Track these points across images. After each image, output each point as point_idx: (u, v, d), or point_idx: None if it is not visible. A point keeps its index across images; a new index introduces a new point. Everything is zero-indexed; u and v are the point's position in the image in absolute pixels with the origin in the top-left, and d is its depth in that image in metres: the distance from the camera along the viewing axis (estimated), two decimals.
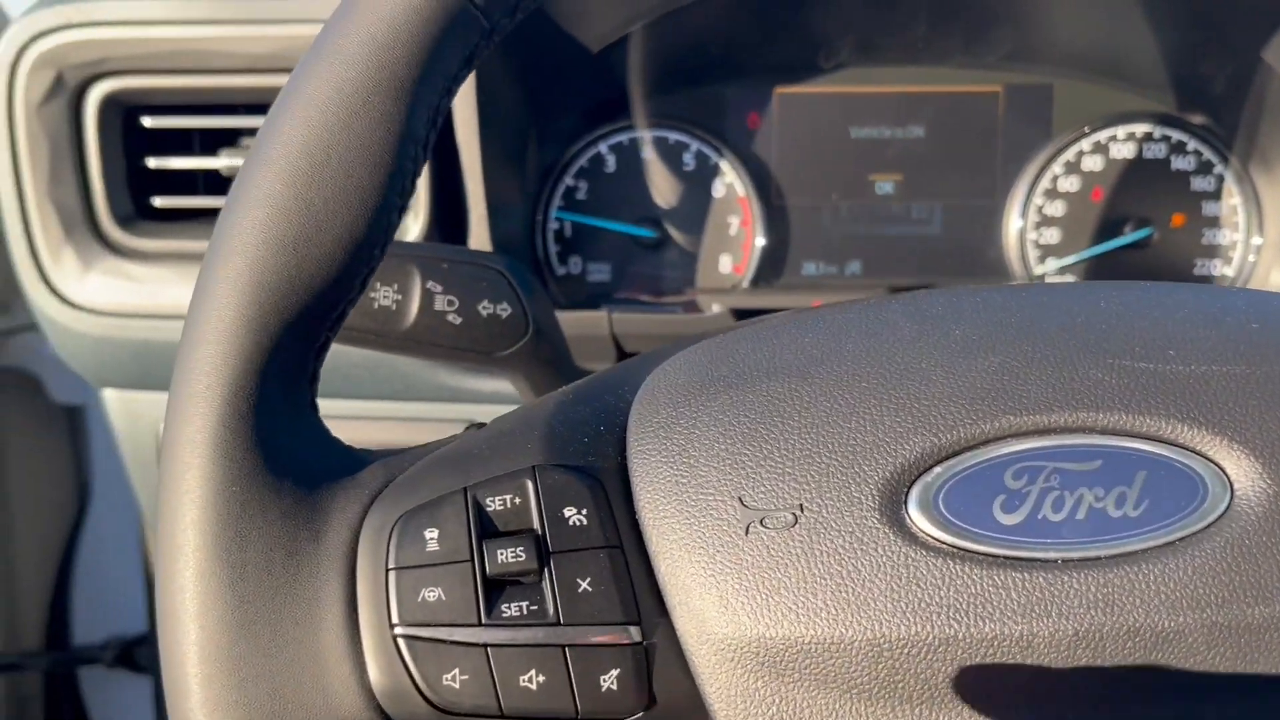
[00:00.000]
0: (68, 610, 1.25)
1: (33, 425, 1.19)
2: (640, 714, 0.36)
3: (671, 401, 0.38)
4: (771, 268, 0.86)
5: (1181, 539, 0.34)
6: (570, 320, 0.77)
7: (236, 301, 0.36)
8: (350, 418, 0.75)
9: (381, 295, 0.54)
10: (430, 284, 0.54)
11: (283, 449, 0.37)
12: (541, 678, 0.36)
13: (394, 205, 0.38)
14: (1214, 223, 0.83)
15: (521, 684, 0.36)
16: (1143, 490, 0.35)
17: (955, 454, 0.36)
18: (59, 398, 1.18)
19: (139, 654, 1.25)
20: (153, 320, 0.77)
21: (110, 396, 0.84)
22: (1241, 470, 0.34)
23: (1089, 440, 0.35)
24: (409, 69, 0.37)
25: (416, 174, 0.38)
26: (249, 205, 0.36)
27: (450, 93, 0.39)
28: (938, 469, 0.35)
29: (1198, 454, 0.35)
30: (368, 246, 0.37)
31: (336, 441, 0.40)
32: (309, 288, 0.36)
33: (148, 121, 0.77)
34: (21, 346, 1.13)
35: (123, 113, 0.77)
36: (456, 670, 0.36)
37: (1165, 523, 0.34)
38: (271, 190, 0.36)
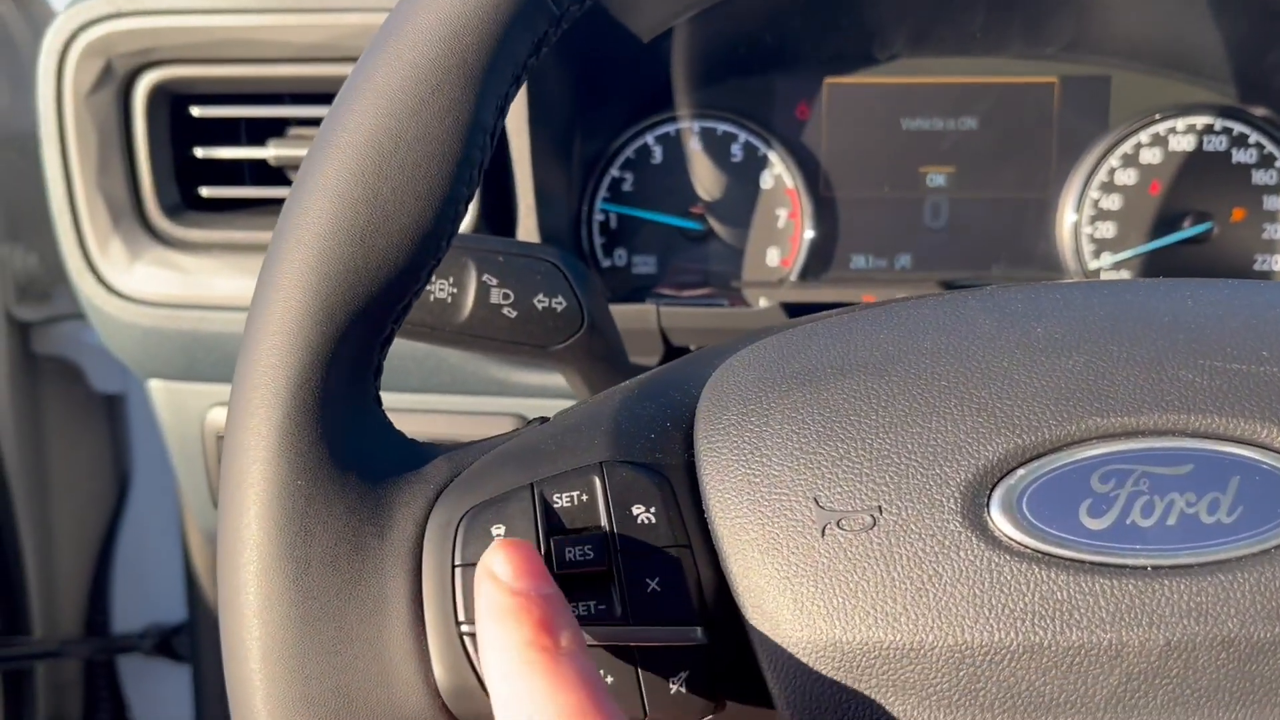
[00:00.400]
0: (107, 599, 1.26)
1: (73, 414, 1.20)
2: (709, 717, 0.36)
3: (741, 398, 0.38)
4: (820, 261, 0.85)
5: (1278, 546, 0.33)
6: (617, 313, 0.76)
7: (302, 293, 0.35)
8: (398, 410, 0.74)
9: (437, 288, 0.53)
10: (486, 277, 0.53)
11: (348, 442, 0.36)
12: (610, 678, 0.35)
13: (461, 196, 0.37)
14: (1275, 217, 0.81)
15: None
16: (1237, 496, 0.34)
17: (1039, 456, 0.35)
18: (99, 386, 1.19)
19: (177, 643, 1.26)
20: (200, 311, 0.77)
21: (156, 387, 0.84)
22: None
23: (1179, 444, 0.34)
24: (479, 56, 0.36)
25: (484, 164, 0.38)
26: (315, 195, 0.36)
27: (519, 81, 0.38)
28: (1021, 471, 0.34)
29: None
30: (434, 238, 0.37)
31: (400, 435, 0.39)
32: (375, 279, 0.36)
33: (196, 111, 0.77)
34: (62, 335, 1.14)
35: (171, 102, 0.77)
36: None
37: (1261, 530, 0.33)
38: (338, 180, 0.36)
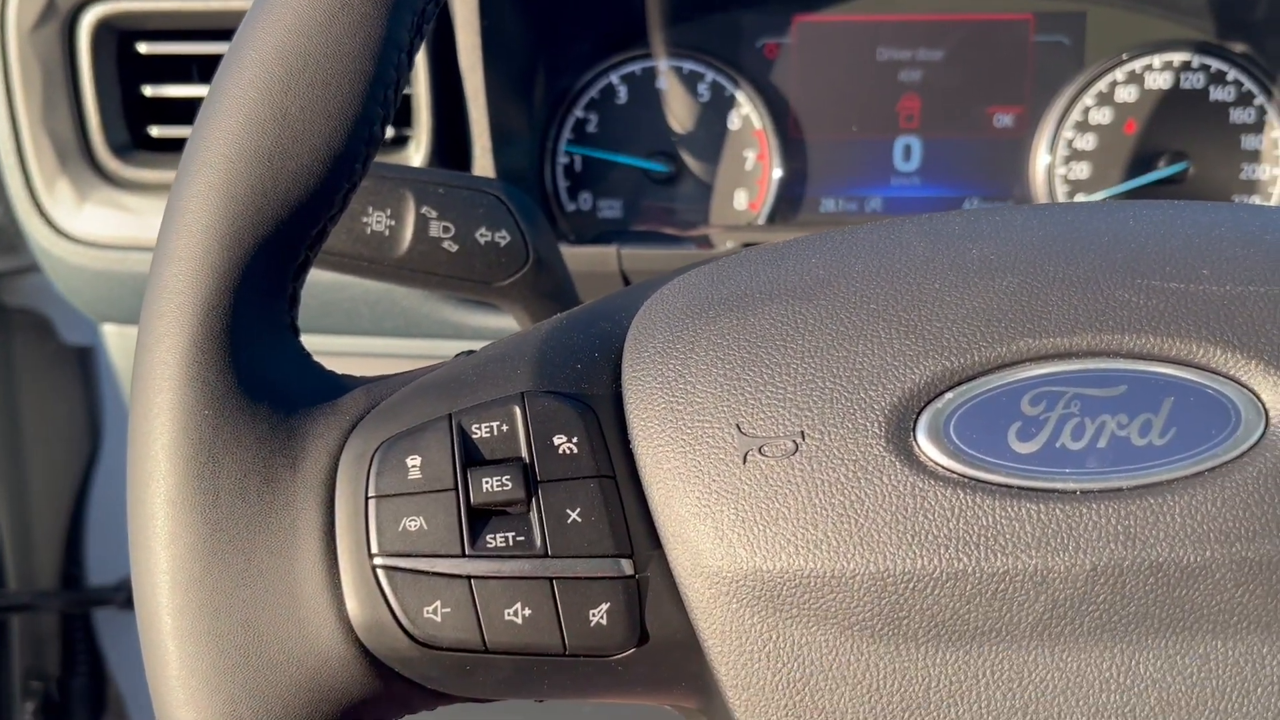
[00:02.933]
0: (81, 552, 1.26)
1: (44, 366, 1.19)
2: (631, 650, 0.35)
3: (669, 325, 0.36)
4: (788, 204, 0.84)
5: (1211, 469, 0.32)
6: (578, 256, 0.75)
7: (208, 216, 0.34)
8: (350, 354, 0.73)
9: (374, 220, 0.52)
10: (425, 209, 0.52)
11: (259, 371, 0.35)
12: (527, 611, 0.34)
13: (375, 116, 0.36)
14: (1253, 156, 0.80)
15: (506, 617, 0.34)
16: (1170, 417, 0.32)
17: (968, 379, 0.33)
18: (69, 338, 1.17)
19: None
20: (150, 253, 0.75)
21: (110, 332, 0.83)
22: (1278, 396, 0.32)
23: (1113, 364, 0.33)
24: None
25: (400, 83, 0.36)
26: (221, 115, 0.35)
27: None
28: (949, 395, 0.33)
29: (1231, 379, 0.32)
30: (348, 160, 0.35)
31: (318, 366, 0.38)
32: (285, 202, 0.35)
33: (143, 48, 0.75)
34: (31, 287, 1.12)
35: (118, 38, 0.75)
36: (438, 603, 0.34)
37: (1193, 452, 0.32)
38: (245, 99, 0.34)
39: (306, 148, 0.34)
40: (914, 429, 0.33)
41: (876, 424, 0.33)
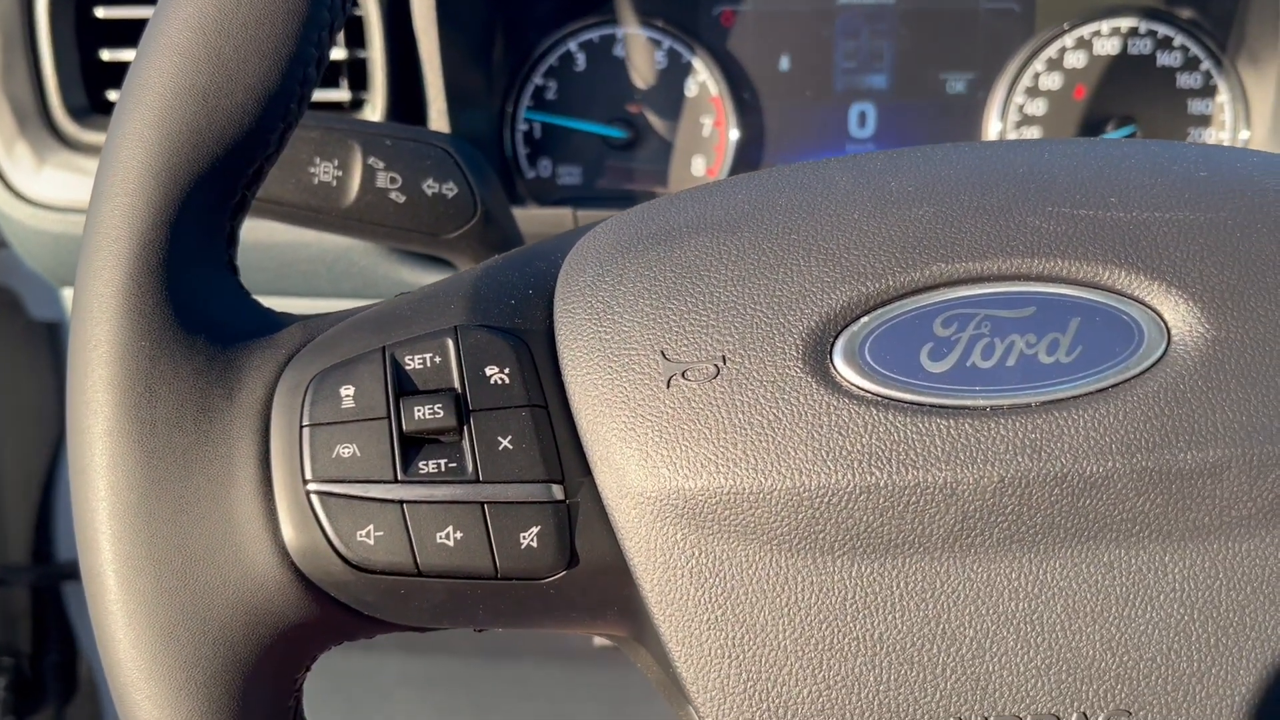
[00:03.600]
0: (52, 528, 1.25)
1: (13, 342, 1.19)
2: (561, 574, 0.35)
3: (599, 260, 0.37)
4: (746, 169, 0.84)
5: (1115, 385, 0.33)
6: (535, 218, 0.75)
7: (144, 153, 0.35)
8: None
9: (321, 170, 0.52)
10: (372, 160, 0.52)
11: (197, 306, 0.36)
12: (459, 534, 0.35)
13: (309, 57, 0.36)
14: (1200, 121, 0.81)
15: (438, 541, 0.35)
16: (1076, 336, 0.33)
17: (883, 303, 0.34)
18: (37, 313, 1.17)
19: None
20: None
21: (70, 296, 0.83)
22: (1179, 316, 0.33)
23: (1022, 287, 0.34)
24: None
25: (336, 24, 0.37)
26: (156, 54, 0.35)
27: None
28: (865, 319, 0.34)
29: (1135, 300, 0.34)
30: (282, 99, 0.36)
31: (255, 303, 0.39)
32: (220, 140, 0.35)
33: (100, 12, 0.75)
34: None
35: (75, 3, 0.75)
36: (371, 526, 0.35)
37: (1098, 369, 0.33)
38: (179, 38, 0.35)
39: (241, 86, 0.35)
40: (830, 352, 0.34)
41: (795, 347, 0.34)
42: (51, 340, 1.23)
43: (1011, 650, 0.33)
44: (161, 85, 0.35)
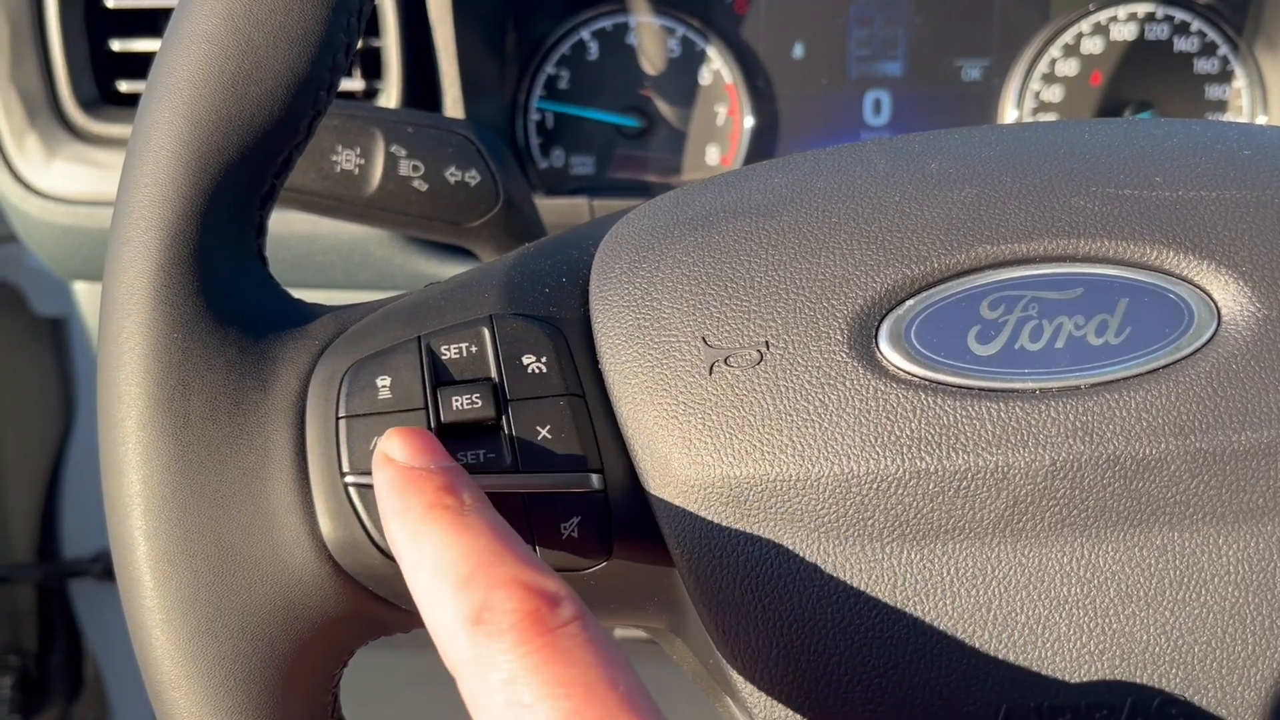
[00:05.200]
0: (57, 525, 1.25)
1: (16, 338, 1.18)
2: (602, 564, 0.35)
3: (635, 246, 0.37)
4: (760, 158, 0.84)
5: (1165, 366, 0.32)
6: (550, 208, 0.75)
7: (173, 142, 0.34)
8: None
9: (344, 159, 0.52)
10: (395, 147, 0.52)
11: (228, 297, 0.35)
12: None
13: (339, 43, 0.36)
14: (1218, 106, 0.80)
15: None
16: (1125, 317, 0.33)
17: (929, 286, 0.34)
18: (41, 309, 1.17)
19: None
20: None
21: (81, 289, 0.82)
22: (1229, 295, 0.33)
23: (1069, 269, 0.34)
24: None
25: (365, 11, 0.37)
26: (185, 42, 0.35)
27: None
28: (910, 302, 0.34)
29: (1183, 280, 0.33)
30: (311, 86, 0.35)
31: (286, 294, 0.38)
32: (250, 128, 0.35)
33: (110, 2, 0.74)
34: (2, 257, 1.11)
35: None
36: None
37: (1148, 350, 0.33)
38: (208, 26, 0.34)
39: (270, 73, 0.35)
40: (876, 335, 0.34)
41: (839, 332, 0.34)
42: (55, 336, 1.22)
43: (1064, 637, 0.33)
44: (190, 73, 0.34)
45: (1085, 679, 0.33)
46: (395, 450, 0.33)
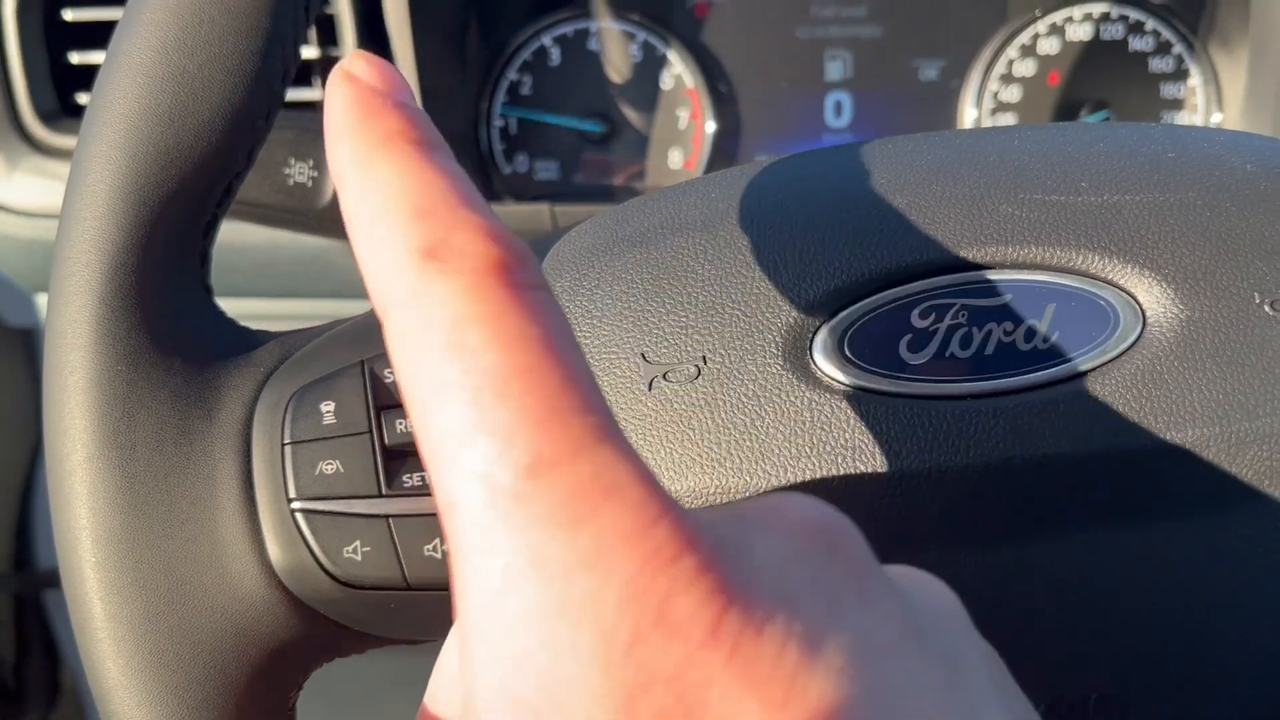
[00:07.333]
0: (31, 536, 1.24)
1: None
2: None
3: (575, 264, 0.37)
4: (723, 161, 0.84)
5: (1094, 369, 0.33)
6: (512, 214, 0.75)
7: (112, 176, 0.35)
8: (284, 318, 0.73)
9: (296, 171, 0.52)
10: None
11: (171, 327, 0.36)
12: (446, 546, 0.35)
13: (276, 72, 0.36)
14: (1174, 104, 0.81)
15: (426, 553, 0.35)
16: (1053, 322, 0.34)
17: (861, 297, 0.34)
18: (12, 320, 1.16)
19: None
20: None
21: (44, 302, 0.82)
22: (1153, 297, 0.33)
23: (998, 275, 0.34)
24: None
25: (300, 38, 0.37)
26: (120, 75, 0.35)
27: None
28: (844, 313, 0.34)
29: (1109, 283, 0.34)
30: (249, 116, 0.36)
31: (231, 322, 0.39)
32: (188, 160, 0.35)
33: (69, 14, 0.74)
34: None
35: (43, 5, 0.74)
36: (358, 542, 0.35)
37: (1076, 353, 0.33)
38: (142, 59, 0.35)
39: (206, 105, 0.35)
40: (810, 347, 0.34)
41: (774, 344, 0.34)
42: (27, 346, 1.22)
43: (996, 639, 0.33)
44: (125, 106, 0.35)
45: (1019, 681, 0.33)
46: (360, 69, 0.26)
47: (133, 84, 0.35)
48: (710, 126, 0.84)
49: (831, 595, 0.21)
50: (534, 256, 0.24)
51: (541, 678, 0.19)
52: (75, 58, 0.75)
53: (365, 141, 0.24)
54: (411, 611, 0.36)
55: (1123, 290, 0.34)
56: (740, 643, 0.19)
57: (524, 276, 0.22)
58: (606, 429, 0.21)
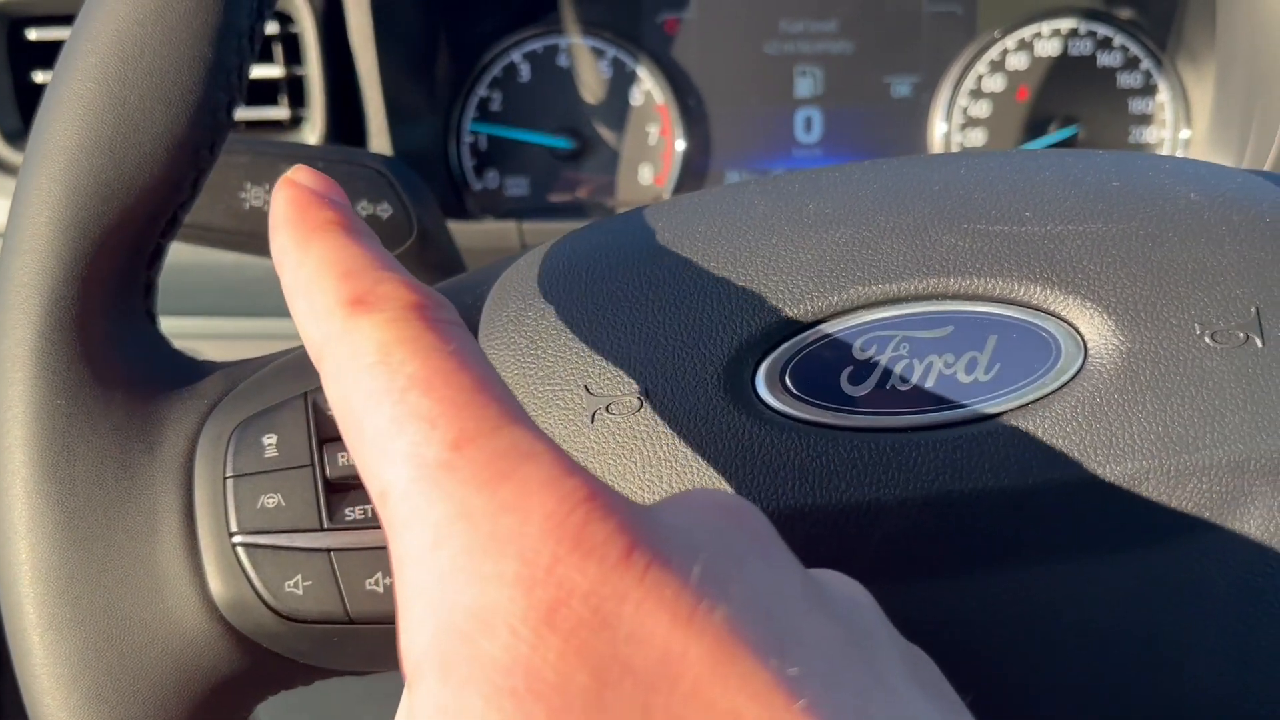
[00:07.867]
0: None
1: None
2: None
3: (521, 295, 0.37)
4: (693, 178, 0.84)
5: (1034, 401, 0.33)
6: (479, 232, 0.75)
7: (51, 209, 0.34)
8: (236, 337, 0.73)
9: (252, 195, 0.52)
10: None
11: (113, 360, 0.36)
12: (389, 580, 0.35)
13: (219, 102, 0.36)
14: (1142, 120, 0.81)
15: (368, 587, 0.35)
16: (994, 354, 0.33)
17: (803, 329, 0.34)
18: None
19: None
20: None
21: None
22: (1094, 329, 0.33)
23: (939, 307, 0.34)
24: None
25: (244, 68, 0.37)
26: (60, 106, 0.35)
27: None
28: (785, 345, 0.34)
29: (1051, 314, 0.34)
30: (192, 147, 0.35)
31: (177, 353, 0.38)
32: (130, 191, 0.35)
33: (33, 34, 0.74)
34: None
35: (7, 25, 0.74)
36: (299, 576, 0.34)
37: (1017, 386, 0.33)
38: (83, 90, 0.34)
39: (148, 136, 0.35)
40: (752, 379, 0.34)
41: (716, 376, 0.34)
42: None
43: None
44: (66, 138, 0.34)
45: None
46: (301, 178, 0.31)
47: (73, 115, 0.34)
48: (680, 143, 0.84)
49: (736, 554, 0.23)
50: (450, 304, 0.26)
51: (472, 608, 0.21)
52: (39, 77, 0.75)
53: (302, 228, 0.28)
54: (354, 644, 0.36)
55: (1065, 321, 0.33)
56: (651, 566, 0.21)
57: (441, 314, 0.26)
58: (520, 414, 0.24)
